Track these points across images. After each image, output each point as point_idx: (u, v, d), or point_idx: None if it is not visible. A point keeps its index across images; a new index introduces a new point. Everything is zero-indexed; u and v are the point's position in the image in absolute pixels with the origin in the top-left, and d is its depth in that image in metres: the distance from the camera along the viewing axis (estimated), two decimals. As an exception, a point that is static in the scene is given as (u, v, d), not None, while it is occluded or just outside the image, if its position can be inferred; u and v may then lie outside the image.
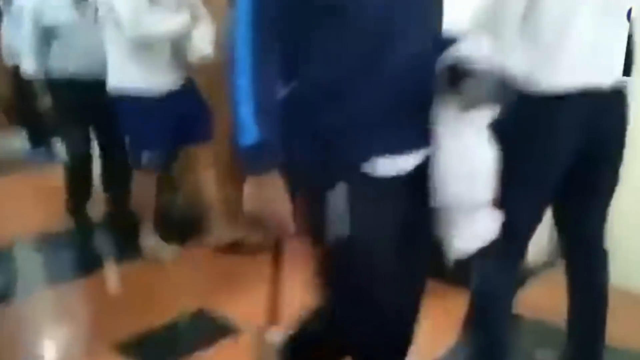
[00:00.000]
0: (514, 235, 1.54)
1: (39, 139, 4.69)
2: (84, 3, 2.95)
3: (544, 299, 2.23)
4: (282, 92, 1.24)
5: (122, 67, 2.73)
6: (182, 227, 3.27)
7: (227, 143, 2.91)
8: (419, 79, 1.25)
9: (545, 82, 1.49)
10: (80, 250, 3.16)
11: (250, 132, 1.16)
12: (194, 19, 2.73)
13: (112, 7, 2.63)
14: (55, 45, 2.98)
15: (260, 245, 2.82)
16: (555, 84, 1.49)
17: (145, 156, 2.82)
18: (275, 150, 1.19)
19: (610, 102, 1.59)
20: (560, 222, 1.83)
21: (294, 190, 1.23)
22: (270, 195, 1.20)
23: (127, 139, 2.88)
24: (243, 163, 1.21)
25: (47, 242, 3.22)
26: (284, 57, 1.21)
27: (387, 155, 1.24)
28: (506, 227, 1.38)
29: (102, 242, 3.33)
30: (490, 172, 1.30)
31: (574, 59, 1.49)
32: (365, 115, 1.22)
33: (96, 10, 2.88)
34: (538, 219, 1.73)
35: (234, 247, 2.89)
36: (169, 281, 2.79)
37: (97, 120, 3.10)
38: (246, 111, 1.16)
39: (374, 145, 1.23)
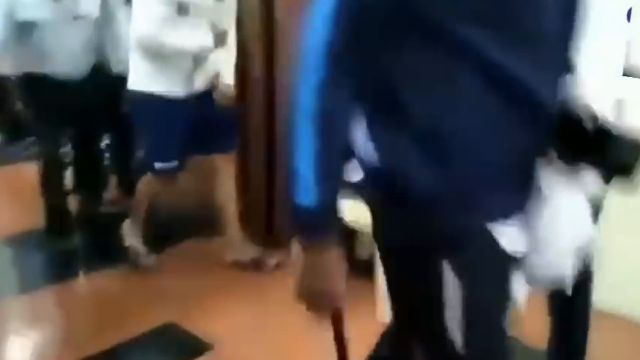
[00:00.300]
0: None
1: (14, 134, 4.56)
2: None
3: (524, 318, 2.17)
4: (370, 142, 1.01)
5: (139, 68, 2.61)
6: (166, 232, 3.17)
7: (250, 153, 2.86)
8: (540, 130, 1.00)
9: None
10: (54, 254, 3.03)
11: (308, 192, 0.96)
12: (218, 42, 2.62)
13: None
14: (31, 42, 2.79)
15: (279, 265, 2.83)
16: None
17: (159, 163, 2.68)
18: (337, 217, 1.00)
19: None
20: None
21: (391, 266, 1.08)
22: (325, 269, 1.01)
23: (142, 143, 2.77)
24: (297, 227, 1.01)
25: (20, 243, 3.11)
26: (366, 101, 1.00)
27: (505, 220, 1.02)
28: None
29: (77, 245, 3.19)
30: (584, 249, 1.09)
31: None
32: (483, 173, 0.98)
33: (76, 4, 2.76)
34: None
35: (252, 265, 2.82)
36: (144, 291, 2.68)
37: (73, 121, 2.98)
38: (306, 167, 0.96)
39: (494, 209, 1.01)
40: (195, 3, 2.52)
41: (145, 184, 2.80)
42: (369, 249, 2.73)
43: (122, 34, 3.11)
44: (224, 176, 2.83)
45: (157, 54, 2.54)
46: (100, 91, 2.88)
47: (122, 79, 2.87)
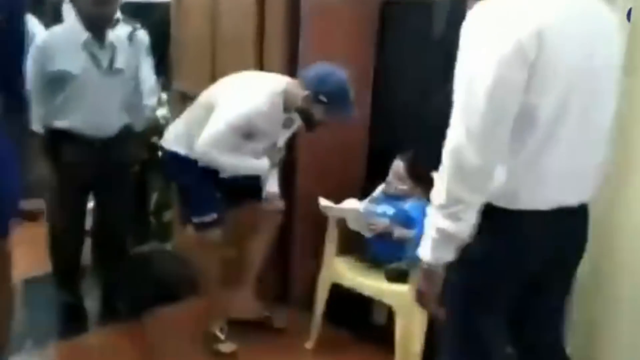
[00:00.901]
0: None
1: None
2: (97, 48, 2.63)
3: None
4: None
5: (180, 135, 2.60)
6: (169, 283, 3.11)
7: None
8: None
9: (523, 199, 1.42)
10: (61, 305, 2.92)
11: None
12: (273, 164, 2.62)
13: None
14: (61, 96, 2.61)
15: (283, 329, 2.79)
16: (533, 201, 1.42)
17: (197, 217, 2.56)
18: None
19: (577, 218, 1.54)
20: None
21: None
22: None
23: (182, 201, 2.70)
24: None
25: (31, 289, 2.99)
26: None
27: None
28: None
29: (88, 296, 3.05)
30: None
31: (553, 179, 1.42)
32: None
33: (113, 58, 2.67)
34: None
35: (257, 323, 2.79)
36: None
37: (100, 183, 2.79)
38: None
39: None
40: (265, 130, 2.51)
41: (204, 265, 2.68)
42: (385, 314, 2.69)
43: (145, 86, 3.09)
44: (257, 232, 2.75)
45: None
46: (127, 151, 2.81)
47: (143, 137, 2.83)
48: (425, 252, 1.40)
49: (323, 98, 2.41)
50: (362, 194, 2.78)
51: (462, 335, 1.53)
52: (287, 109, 2.49)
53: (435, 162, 2.51)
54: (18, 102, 1.95)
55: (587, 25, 1.38)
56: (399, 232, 2.50)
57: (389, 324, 2.47)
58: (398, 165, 2.61)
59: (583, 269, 1.81)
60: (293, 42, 2.80)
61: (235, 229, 2.73)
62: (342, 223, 2.65)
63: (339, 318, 2.75)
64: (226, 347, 2.64)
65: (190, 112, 2.65)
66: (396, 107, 2.96)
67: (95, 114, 2.65)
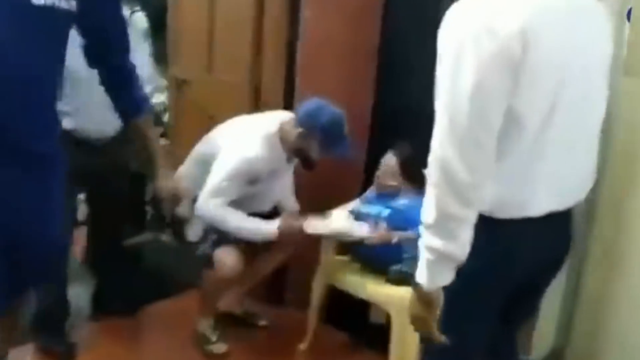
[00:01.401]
0: None
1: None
2: None
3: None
4: None
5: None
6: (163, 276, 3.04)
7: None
8: None
9: (513, 207, 1.33)
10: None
11: None
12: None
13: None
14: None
15: (266, 327, 2.77)
16: (523, 209, 1.34)
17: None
18: None
19: (564, 222, 1.46)
20: None
21: None
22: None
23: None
24: None
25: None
26: None
27: None
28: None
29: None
30: None
31: (543, 186, 1.33)
32: None
33: None
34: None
35: (241, 318, 2.78)
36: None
37: (93, 187, 2.60)
38: None
39: None
40: (270, 171, 2.44)
41: (211, 274, 2.55)
42: (384, 314, 2.59)
43: (141, 73, 2.91)
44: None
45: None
46: (125, 154, 2.61)
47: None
48: (421, 276, 1.28)
49: (316, 133, 2.36)
50: (361, 192, 2.67)
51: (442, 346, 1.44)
52: (283, 147, 2.45)
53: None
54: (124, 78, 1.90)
55: (576, 23, 1.27)
56: (397, 236, 2.36)
57: (388, 325, 2.39)
58: (390, 159, 2.48)
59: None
60: (292, 27, 2.71)
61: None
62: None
63: (337, 319, 2.68)
64: (217, 348, 2.56)
65: (189, 164, 2.58)
66: (401, 99, 2.82)
67: (90, 112, 2.36)
